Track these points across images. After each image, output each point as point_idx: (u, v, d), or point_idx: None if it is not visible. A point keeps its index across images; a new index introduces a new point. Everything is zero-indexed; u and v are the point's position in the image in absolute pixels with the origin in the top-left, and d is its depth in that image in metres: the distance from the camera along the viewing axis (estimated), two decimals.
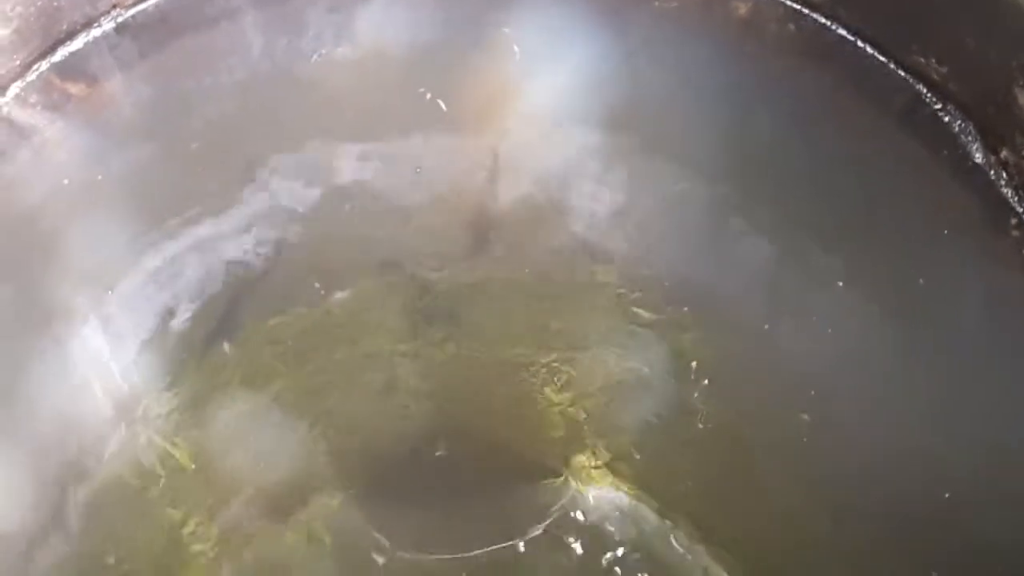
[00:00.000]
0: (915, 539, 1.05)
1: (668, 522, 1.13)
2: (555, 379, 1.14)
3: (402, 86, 1.14)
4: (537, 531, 1.12)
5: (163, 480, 1.10)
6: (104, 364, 1.10)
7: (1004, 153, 1.11)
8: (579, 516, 1.13)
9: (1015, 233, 1.10)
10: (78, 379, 1.08)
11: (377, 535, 1.14)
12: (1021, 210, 1.10)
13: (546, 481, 1.12)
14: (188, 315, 1.13)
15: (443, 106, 1.12)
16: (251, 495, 1.13)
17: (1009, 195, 1.10)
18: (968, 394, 1.05)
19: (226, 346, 1.14)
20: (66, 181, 1.09)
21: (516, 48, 1.14)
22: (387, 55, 1.15)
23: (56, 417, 1.07)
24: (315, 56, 1.14)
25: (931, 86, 1.13)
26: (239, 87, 1.14)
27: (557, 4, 1.15)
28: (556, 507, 1.12)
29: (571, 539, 1.12)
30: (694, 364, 1.12)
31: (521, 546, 1.12)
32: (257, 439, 1.15)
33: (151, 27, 1.13)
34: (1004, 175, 1.11)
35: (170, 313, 1.13)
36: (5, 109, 1.06)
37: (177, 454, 1.10)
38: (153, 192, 1.13)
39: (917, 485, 1.05)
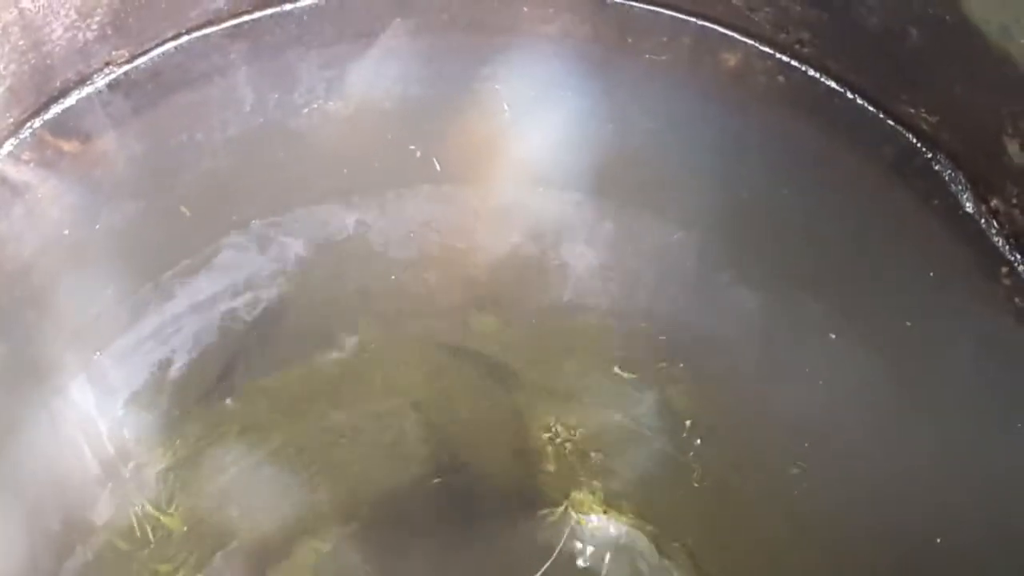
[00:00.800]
0: None
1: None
2: (552, 432, 1.14)
3: (393, 141, 1.14)
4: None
5: (152, 545, 1.10)
6: (94, 423, 1.10)
7: (994, 202, 1.11)
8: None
9: (1006, 281, 1.10)
10: (67, 439, 1.08)
11: None
12: (1012, 258, 1.10)
13: (544, 519, 1.12)
14: (181, 372, 1.13)
15: (437, 165, 1.13)
16: (242, 546, 1.13)
17: (1000, 244, 1.10)
18: (960, 441, 1.05)
19: (222, 403, 1.14)
20: (60, 236, 1.09)
21: (506, 105, 1.15)
22: (379, 110, 1.15)
23: (46, 479, 1.07)
24: (307, 111, 1.15)
25: (921, 136, 1.14)
26: (232, 143, 1.15)
27: (546, 60, 1.16)
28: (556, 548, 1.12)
29: None
30: (688, 421, 1.12)
31: None
32: (252, 494, 1.14)
33: (144, 84, 1.13)
34: (995, 224, 1.12)
35: (163, 370, 1.13)
36: None
37: (166, 519, 1.10)
38: (147, 248, 1.13)
39: (910, 529, 1.05)
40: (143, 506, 1.11)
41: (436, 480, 1.11)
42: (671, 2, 1.18)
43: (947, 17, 1.09)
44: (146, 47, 1.13)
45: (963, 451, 1.04)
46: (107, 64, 1.12)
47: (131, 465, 1.13)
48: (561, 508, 1.12)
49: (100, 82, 1.12)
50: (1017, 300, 1.10)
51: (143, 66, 1.13)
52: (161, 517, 1.11)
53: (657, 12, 1.18)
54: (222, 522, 1.12)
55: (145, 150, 1.13)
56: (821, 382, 1.09)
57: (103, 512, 1.11)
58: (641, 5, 1.18)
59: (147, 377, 1.13)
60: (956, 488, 1.04)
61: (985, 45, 1.07)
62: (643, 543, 1.15)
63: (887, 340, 1.09)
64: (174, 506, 1.11)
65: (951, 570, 1.02)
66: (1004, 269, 1.10)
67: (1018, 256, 1.10)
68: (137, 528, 1.11)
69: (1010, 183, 1.11)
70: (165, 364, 1.13)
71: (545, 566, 1.11)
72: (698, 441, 1.12)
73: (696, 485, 1.12)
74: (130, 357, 1.13)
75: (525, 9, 1.17)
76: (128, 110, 1.13)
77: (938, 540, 1.02)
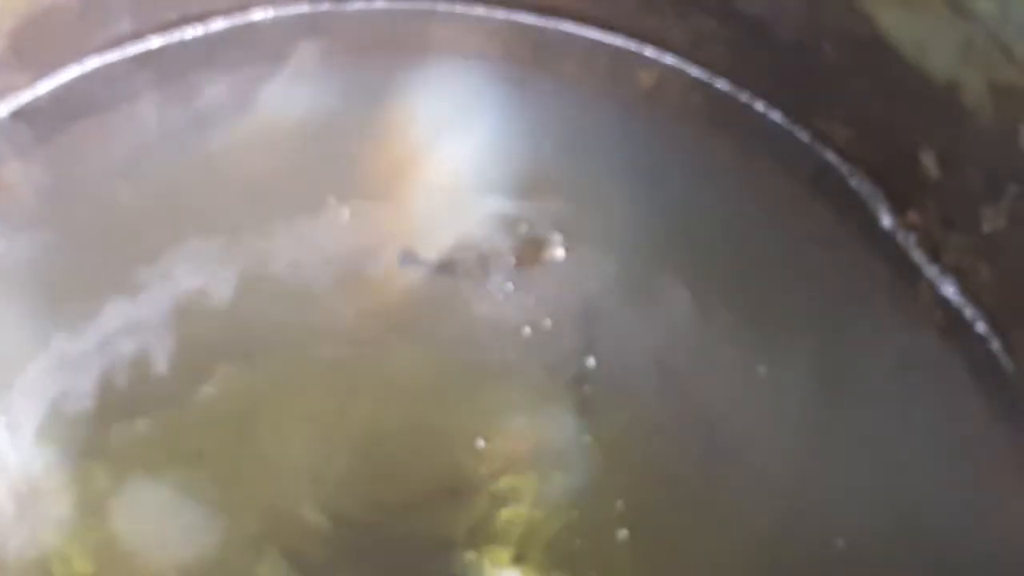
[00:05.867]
0: None
1: None
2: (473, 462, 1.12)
3: (305, 165, 1.13)
4: None
5: None
6: (3, 459, 1.07)
7: (912, 215, 1.11)
8: None
9: (925, 296, 1.11)
10: None
11: None
12: (931, 273, 1.11)
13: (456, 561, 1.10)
14: (89, 406, 1.10)
15: (347, 213, 1.11)
16: None
17: (918, 258, 1.11)
18: (881, 455, 1.05)
19: (132, 437, 1.11)
20: None
21: (420, 120, 1.14)
22: (289, 134, 1.14)
23: None
24: (216, 136, 1.13)
25: (838, 151, 1.14)
26: (139, 170, 1.12)
27: (461, 75, 1.15)
28: None
29: None
30: (597, 438, 1.11)
31: None
32: (163, 530, 1.11)
33: (47, 112, 1.11)
34: (913, 238, 1.12)
35: (72, 404, 1.10)
36: None
37: (75, 559, 1.07)
38: (54, 280, 1.11)
39: (825, 539, 1.05)
40: (51, 545, 1.08)
41: (351, 518, 1.09)
42: (586, 20, 1.18)
43: (861, 33, 1.09)
44: (48, 73, 1.11)
45: (881, 463, 1.04)
46: (8, 91, 1.10)
47: (39, 502, 1.10)
48: (476, 553, 1.10)
49: (2, 111, 1.10)
50: (936, 313, 1.10)
51: (45, 93, 1.11)
52: (71, 557, 1.08)
53: (572, 31, 1.18)
54: (132, 559, 1.10)
55: (50, 179, 1.11)
56: (738, 397, 1.08)
57: (10, 551, 1.08)
58: (555, 24, 1.18)
59: (55, 411, 1.10)
60: (872, 498, 1.03)
61: (900, 60, 1.08)
62: None
63: (806, 355, 1.08)
64: (83, 544, 1.08)
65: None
66: (923, 283, 1.11)
67: (936, 270, 1.11)
68: (46, 568, 1.08)
69: (927, 197, 1.11)
70: (73, 397, 1.11)
71: None
72: (617, 457, 1.11)
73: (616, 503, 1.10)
74: (37, 390, 1.10)
75: (438, 28, 1.16)
76: (31, 139, 1.10)
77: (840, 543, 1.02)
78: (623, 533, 1.05)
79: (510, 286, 1.14)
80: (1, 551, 1.08)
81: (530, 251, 1.14)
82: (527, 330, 1.12)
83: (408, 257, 1.13)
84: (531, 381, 1.13)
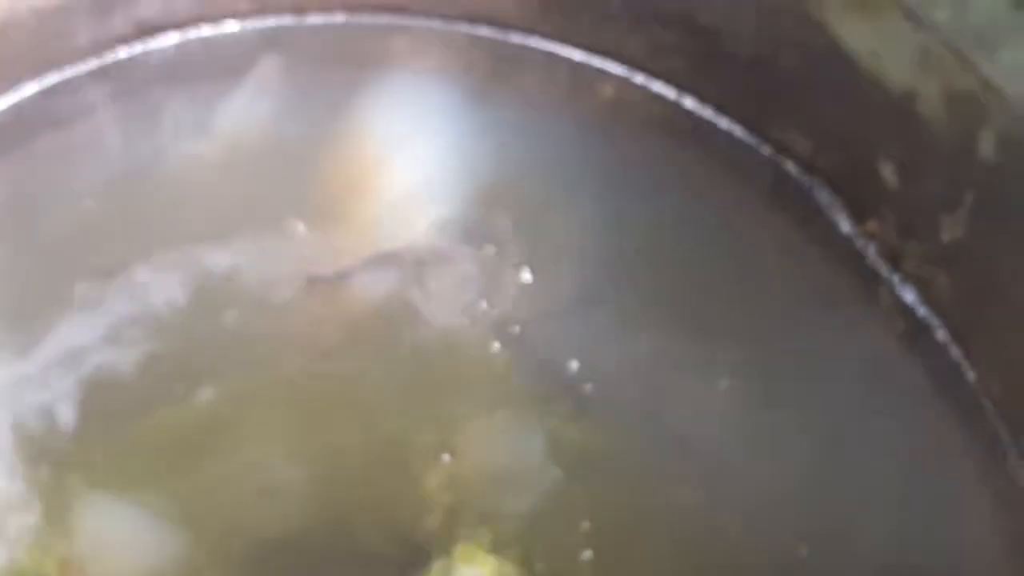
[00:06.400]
0: None
1: None
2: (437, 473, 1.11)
3: (265, 179, 1.12)
4: None
5: None
6: None
7: (871, 224, 1.12)
8: None
9: (886, 303, 1.11)
10: None
11: None
12: (891, 281, 1.11)
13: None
14: (50, 421, 1.09)
15: (308, 228, 1.11)
16: None
17: (878, 266, 1.11)
18: (842, 463, 1.05)
19: (94, 451, 1.10)
20: None
21: (379, 134, 1.14)
22: (250, 148, 1.13)
23: None
24: (175, 151, 1.13)
25: (797, 161, 1.14)
26: (98, 186, 1.12)
27: (421, 89, 1.15)
28: None
29: None
30: (562, 456, 1.10)
31: None
32: (131, 545, 1.10)
33: (4, 128, 1.11)
34: (873, 246, 1.12)
35: (33, 419, 1.09)
36: None
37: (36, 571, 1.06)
38: (12, 296, 1.10)
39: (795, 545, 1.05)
40: (15, 559, 1.07)
41: (313, 533, 1.08)
42: (545, 35, 1.18)
43: (818, 43, 1.09)
44: (5, 89, 1.10)
45: (842, 471, 1.04)
46: None
47: (0, 521, 1.09)
48: (453, 564, 1.09)
49: None
50: (896, 321, 1.10)
51: (3, 109, 1.10)
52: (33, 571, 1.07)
53: (531, 45, 1.18)
54: (95, 573, 1.09)
55: (7, 195, 1.10)
56: (701, 410, 1.08)
57: None
58: (515, 38, 1.18)
59: (15, 426, 1.09)
60: (834, 505, 1.04)
61: (856, 70, 1.09)
62: None
63: (767, 363, 1.09)
64: (46, 558, 1.07)
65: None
66: (883, 290, 1.11)
67: (896, 278, 1.11)
68: None
69: (886, 206, 1.12)
70: (35, 412, 1.10)
71: None
72: (589, 471, 1.10)
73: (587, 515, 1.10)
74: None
75: (398, 42, 1.16)
76: None
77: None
78: (587, 554, 1.04)
79: (472, 300, 1.13)
80: None
81: (491, 264, 1.14)
82: (493, 345, 1.12)
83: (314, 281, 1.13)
84: (497, 397, 1.13)
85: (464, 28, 1.20)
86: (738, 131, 1.16)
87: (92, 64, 1.13)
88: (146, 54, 1.15)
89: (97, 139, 1.12)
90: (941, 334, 1.10)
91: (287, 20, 1.19)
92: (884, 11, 1.04)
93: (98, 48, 1.13)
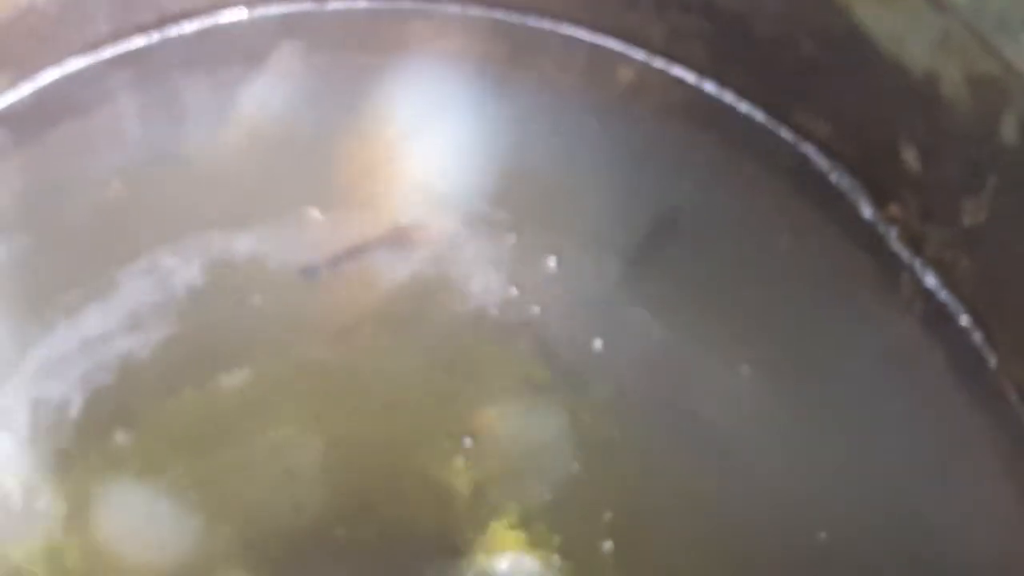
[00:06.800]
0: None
1: None
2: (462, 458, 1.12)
3: (286, 164, 1.13)
4: None
5: None
6: None
7: (893, 209, 1.12)
8: None
9: (907, 289, 1.11)
10: None
11: None
12: (913, 266, 1.11)
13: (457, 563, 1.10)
14: (74, 409, 1.10)
15: (329, 214, 1.11)
16: None
17: (899, 250, 1.11)
18: (863, 448, 1.05)
19: (118, 439, 1.10)
20: None
21: (399, 119, 1.14)
22: (270, 133, 1.13)
23: None
24: (196, 137, 1.13)
25: (818, 145, 1.14)
26: (119, 173, 1.12)
27: (440, 74, 1.15)
28: None
29: None
30: (584, 443, 1.10)
31: None
32: (153, 530, 1.11)
33: (25, 115, 1.11)
34: (894, 231, 1.12)
35: (57, 407, 1.10)
36: None
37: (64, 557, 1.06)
38: (35, 284, 1.10)
39: (809, 533, 1.05)
40: (36, 547, 1.07)
41: (334, 521, 1.08)
42: (565, 18, 1.18)
43: (838, 27, 1.09)
44: (27, 75, 1.11)
45: (863, 456, 1.04)
46: None
47: (25, 506, 1.09)
48: (475, 552, 1.09)
49: None
50: (917, 306, 1.10)
51: (24, 96, 1.10)
52: (60, 554, 1.08)
53: (551, 29, 1.18)
54: (113, 562, 1.09)
55: (29, 183, 1.11)
56: (723, 396, 1.08)
57: None
58: (534, 22, 1.18)
59: (39, 414, 1.10)
60: (855, 491, 1.03)
61: (877, 53, 1.08)
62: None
63: (788, 348, 1.08)
64: (66, 547, 1.08)
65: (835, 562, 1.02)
66: (904, 275, 1.11)
67: (918, 263, 1.11)
68: (33, 569, 1.08)
69: (907, 190, 1.11)
70: (58, 401, 1.10)
71: None
72: (605, 454, 1.11)
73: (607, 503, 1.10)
74: (21, 394, 1.10)
75: (417, 27, 1.16)
76: (10, 142, 1.10)
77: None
78: (608, 545, 1.04)
79: (492, 285, 1.13)
80: None
81: (512, 249, 1.14)
82: (514, 329, 1.12)
83: (309, 270, 1.13)
84: (519, 382, 1.13)
85: (483, 12, 1.20)
86: (759, 116, 1.15)
87: (113, 51, 1.14)
88: (167, 41, 1.15)
89: (118, 126, 1.13)
90: (963, 319, 1.10)
91: (307, 6, 1.19)
92: None
93: (119, 35, 1.13)
